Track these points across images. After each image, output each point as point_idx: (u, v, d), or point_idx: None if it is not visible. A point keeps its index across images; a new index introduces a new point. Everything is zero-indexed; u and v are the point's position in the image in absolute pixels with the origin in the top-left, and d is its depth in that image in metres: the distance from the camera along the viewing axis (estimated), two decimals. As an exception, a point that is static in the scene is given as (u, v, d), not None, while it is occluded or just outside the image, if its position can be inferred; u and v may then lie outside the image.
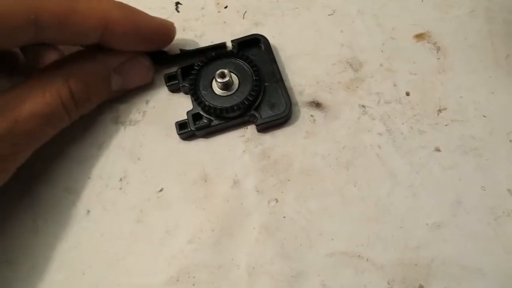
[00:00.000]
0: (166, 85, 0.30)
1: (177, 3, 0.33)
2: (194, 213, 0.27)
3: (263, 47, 0.30)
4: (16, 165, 0.24)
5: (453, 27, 0.31)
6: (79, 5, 0.23)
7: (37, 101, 0.23)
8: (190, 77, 0.28)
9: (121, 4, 0.26)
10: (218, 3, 0.33)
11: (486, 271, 0.25)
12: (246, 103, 0.27)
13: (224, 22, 0.32)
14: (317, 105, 0.29)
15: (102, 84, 0.27)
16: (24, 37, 0.22)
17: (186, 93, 0.30)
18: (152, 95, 0.30)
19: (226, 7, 0.32)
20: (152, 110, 0.30)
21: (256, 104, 0.28)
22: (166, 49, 0.30)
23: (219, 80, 0.27)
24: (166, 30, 0.28)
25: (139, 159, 0.29)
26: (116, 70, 0.27)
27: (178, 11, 0.32)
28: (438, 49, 0.30)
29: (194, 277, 0.26)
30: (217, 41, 0.31)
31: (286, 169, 0.28)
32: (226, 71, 0.27)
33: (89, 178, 0.28)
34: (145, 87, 0.30)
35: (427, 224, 0.26)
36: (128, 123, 0.30)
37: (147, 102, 0.30)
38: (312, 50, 0.31)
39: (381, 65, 0.30)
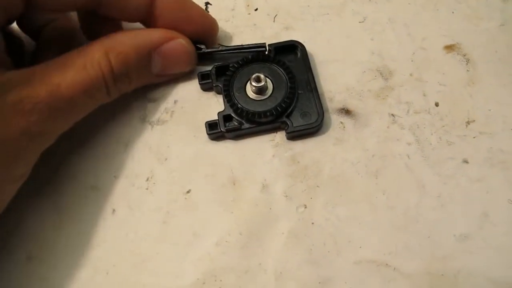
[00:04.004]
0: (199, 83, 0.29)
1: (207, 3, 0.32)
2: (222, 216, 0.27)
3: (299, 54, 0.30)
4: (55, 132, 0.25)
5: (483, 40, 0.31)
6: None
7: (79, 70, 0.24)
8: (225, 77, 0.28)
9: None
10: (248, 5, 0.33)
11: (513, 285, 0.25)
12: (279, 109, 0.27)
13: (254, 25, 0.32)
14: (347, 112, 0.29)
15: (141, 62, 0.27)
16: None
17: (218, 93, 0.30)
18: (180, 95, 0.30)
19: (256, 9, 0.32)
20: (180, 110, 0.30)
21: (288, 111, 0.28)
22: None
23: (254, 84, 0.27)
24: (209, 21, 0.29)
25: (166, 159, 0.28)
26: (157, 51, 0.27)
27: (207, 11, 0.32)
28: (468, 61, 0.30)
29: (221, 280, 0.26)
30: (248, 42, 0.30)
31: (315, 175, 0.28)
32: (262, 75, 0.27)
33: (115, 176, 0.28)
34: (173, 85, 0.30)
35: (454, 235, 0.26)
36: (155, 122, 0.29)
37: (175, 102, 0.30)
38: (343, 57, 0.31)
39: (411, 74, 0.30)
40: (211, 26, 0.29)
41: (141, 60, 0.27)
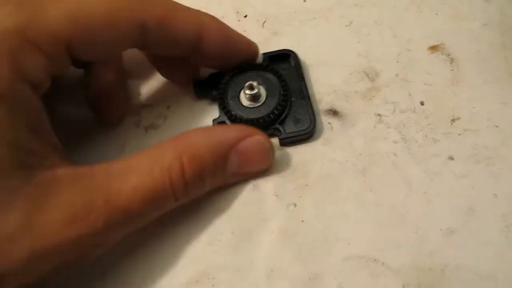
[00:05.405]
0: (194, 90, 0.30)
1: (198, 11, 0.33)
2: (214, 215, 0.28)
3: (292, 62, 0.31)
4: (107, 242, 0.23)
5: (466, 40, 0.32)
6: (179, 12, 0.25)
7: (143, 175, 0.21)
8: (220, 85, 0.29)
9: (215, 17, 0.27)
10: (238, 12, 0.34)
11: (498, 278, 0.25)
12: (272, 116, 0.28)
13: (244, 31, 0.32)
14: (334, 113, 0.30)
15: (217, 164, 0.25)
16: (130, 41, 0.23)
17: (213, 100, 0.30)
18: (174, 101, 0.31)
19: (245, 16, 0.33)
20: (172, 115, 0.31)
21: (281, 118, 0.29)
22: None
23: (247, 91, 0.28)
24: (252, 48, 0.29)
25: (160, 162, 0.29)
26: (233, 149, 0.25)
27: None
28: (452, 60, 0.31)
29: (213, 278, 0.26)
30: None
31: (304, 175, 0.28)
32: (255, 83, 0.28)
33: (110, 180, 0.29)
34: (168, 91, 0.31)
35: (441, 230, 0.27)
36: (149, 127, 0.30)
37: (168, 107, 0.31)
38: (330, 60, 0.32)
39: (396, 75, 0.31)
40: (254, 51, 0.30)
41: (217, 162, 0.24)
